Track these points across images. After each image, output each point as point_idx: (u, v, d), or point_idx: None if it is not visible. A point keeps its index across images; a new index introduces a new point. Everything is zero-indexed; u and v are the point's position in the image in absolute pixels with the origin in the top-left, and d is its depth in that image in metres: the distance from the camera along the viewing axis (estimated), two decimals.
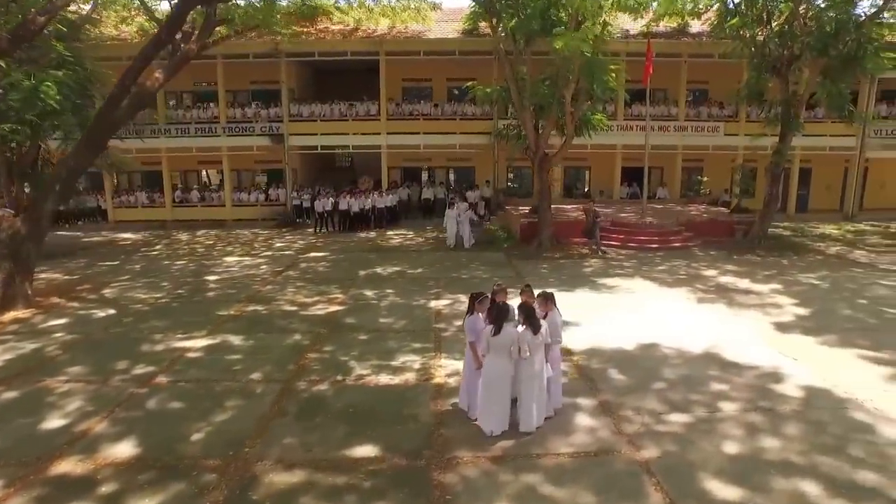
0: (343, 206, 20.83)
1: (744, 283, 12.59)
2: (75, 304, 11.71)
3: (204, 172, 25.61)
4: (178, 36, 12.98)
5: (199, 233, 21.32)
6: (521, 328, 5.98)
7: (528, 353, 5.90)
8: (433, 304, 11.38)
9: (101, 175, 22.36)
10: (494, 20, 15.27)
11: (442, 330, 9.77)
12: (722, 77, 22.34)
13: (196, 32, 13.50)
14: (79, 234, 21.55)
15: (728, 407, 6.69)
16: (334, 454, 5.85)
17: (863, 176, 23.50)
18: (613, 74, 15.83)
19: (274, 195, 23.36)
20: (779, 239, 18.07)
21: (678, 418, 6.42)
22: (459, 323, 9.96)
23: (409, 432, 6.29)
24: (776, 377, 7.52)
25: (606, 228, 17.73)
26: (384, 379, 7.76)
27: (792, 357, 8.22)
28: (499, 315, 5.99)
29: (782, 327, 9.59)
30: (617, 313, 10.47)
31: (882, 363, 7.99)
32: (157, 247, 18.71)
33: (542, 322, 6.10)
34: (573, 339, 9.04)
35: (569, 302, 11.22)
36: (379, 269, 14.59)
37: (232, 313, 11.00)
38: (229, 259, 16.45)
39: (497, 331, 5.94)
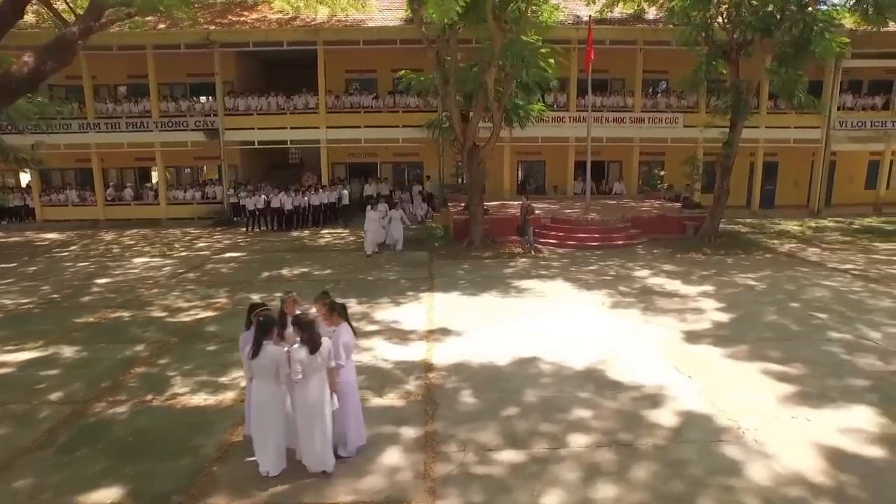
0: (275, 203, 19.67)
1: (673, 285, 11.45)
2: None
3: (153, 171, 24.41)
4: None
5: (128, 232, 20.12)
6: (295, 346, 4.81)
7: (298, 376, 4.73)
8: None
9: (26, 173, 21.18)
10: (416, 4, 14.12)
11: None
12: (681, 66, 20.85)
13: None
14: None
15: (579, 441, 5.53)
16: (65, 499, 4.70)
17: (830, 170, 22.36)
18: (551, 61, 14.74)
19: (211, 193, 22.15)
20: (733, 236, 16.96)
21: (509, 456, 5.26)
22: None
23: (176, 469, 5.16)
24: (655, 401, 6.36)
25: (546, 226, 16.61)
26: (197, 399, 6.63)
27: (687, 374, 7.08)
28: (258, 331, 4.83)
29: (692, 337, 8.44)
30: (512, 320, 9.33)
31: (785, 380, 6.85)
32: (73, 247, 17.53)
33: (326, 339, 4.93)
34: (445, 352, 7.93)
35: (467, 307, 10.18)
36: (285, 271, 13.46)
37: (91, 321, 9.88)
38: (138, 260, 15.29)
39: (255, 351, 4.78)
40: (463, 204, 19.00)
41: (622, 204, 19.93)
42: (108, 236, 19.50)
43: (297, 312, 5.15)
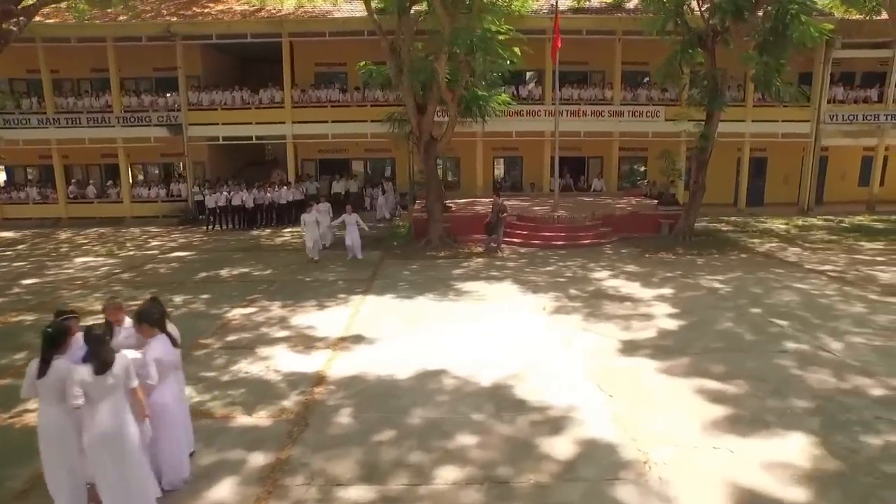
0: (236, 201, 18.91)
1: (630, 288, 10.52)
2: None
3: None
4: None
5: (86, 231, 19.42)
6: (78, 364, 3.98)
7: (79, 401, 3.89)
8: (235, 311, 9.45)
9: None
10: None
11: (203, 346, 7.77)
12: (662, 57, 20.15)
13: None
14: None
15: (447, 476, 4.66)
16: None
17: (821, 166, 21.28)
18: (516, 50, 13.86)
19: (176, 191, 21.42)
20: (711, 235, 15.99)
21: (357, 494, 4.41)
22: (235, 338, 8.06)
23: None
24: (558, 425, 5.48)
25: (512, 224, 15.70)
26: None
27: (608, 393, 6.19)
28: (46, 344, 4.02)
29: (630, 347, 7.53)
30: (439, 326, 8.49)
31: (720, 400, 5.94)
32: (20, 247, 16.86)
33: (125, 355, 4.10)
34: (346, 362, 7.11)
35: (396, 311, 9.37)
36: (224, 272, 12.70)
37: None
38: (79, 260, 14.60)
39: (42, 370, 3.96)
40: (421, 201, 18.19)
41: (597, 201, 18.99)
42: (64, 235, 18.85)
43: (87, 326, 4.30)
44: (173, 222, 20.69)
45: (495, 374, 6.68)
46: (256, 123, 20.82)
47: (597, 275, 11.68)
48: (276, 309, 9.59)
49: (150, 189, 21.45)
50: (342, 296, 10.39)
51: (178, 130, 20.52)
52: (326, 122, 20.65)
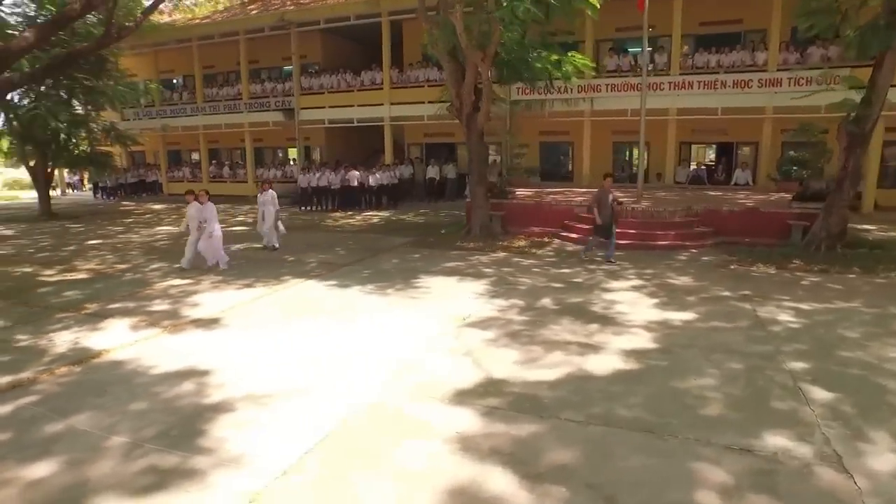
0: (323, 182, 18.98)
1: (634, 307, 7.21)
2: None
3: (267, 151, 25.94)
4: None
5: None
6: None
7: None
8: (173, 282, 8.87)
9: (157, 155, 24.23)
10: None
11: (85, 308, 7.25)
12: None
13: None
14: (130, 204, 23.58)
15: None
16: None
17: None
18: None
19: (290, 172, 22.54)
20: (880, 247, 10.65)
21: None
22: (118, 305, 7.45)
23: None
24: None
25: (579, 216, 12.67)
26: None
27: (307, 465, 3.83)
28: None
29: (486, 389, 4.82)
30: (306, 323, 6.69)
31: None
32: (147, 216, 19.24)
33: None
34: (147, 346, 5.82)
35: (300, 298, 7.96)
36: (241, 245, 12.45)
37: None
38: (161, 227, 16.00)
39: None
40: (523, 190, 15.90)
41: (723, 196, 14.41)
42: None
43: None
44: (285, 202, 21.71)
45: (253, 387, 4.75)
46: (358, 106, 20.70)
47: (615, 284, 8.40)
48: (208, 283, 8.79)
49: (268, 170, 22.93)
50: (286, 277, 9.14)
51: (290, 115, 21.49)
52: (423, 102, 19.53)
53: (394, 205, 19.54)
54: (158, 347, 5.90)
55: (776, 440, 3.90)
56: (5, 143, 19.21)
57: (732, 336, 6.07)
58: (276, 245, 11.89)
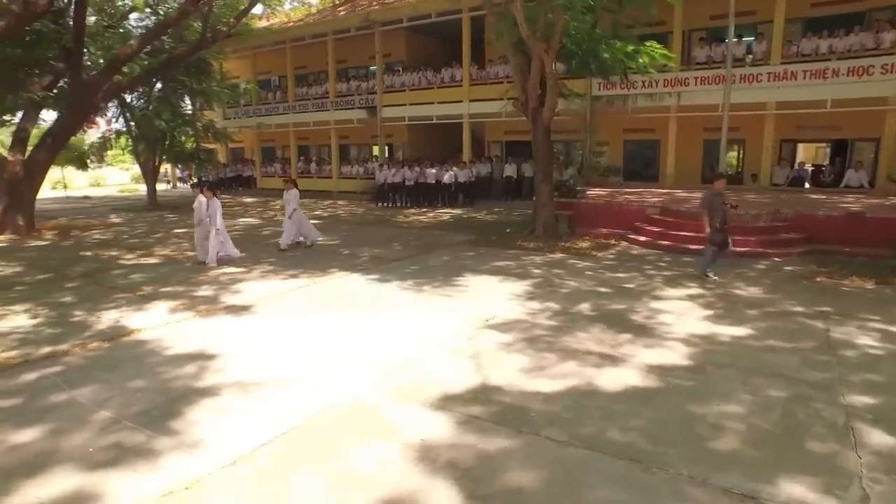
0: (398, 179, 19.23)
1: (684, 319, 6.45)
2: (51, 237, 13.61)
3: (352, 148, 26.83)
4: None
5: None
6: None
7: None
8: (230, 269, 9.36)
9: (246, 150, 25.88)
10: None
11: (135, 290, 7.84)
12: None
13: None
14: (226, 197, 25.34)
15: None
16: None
17: None
18: None
19: (371, 169, 23.08)
20: None
21: None
22: (168, 289, 8.01)
23: None
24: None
25: (650, 219, 11.79)
26: None
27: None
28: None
29: (473, 396, 4.49)
30: (338, 315, 6.71)
31: None
32: (235, 208, 20.57)
33: None
34: (177, 328, 6.16)
35: (337, 291, 8.09)
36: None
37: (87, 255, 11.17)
38: (243, 219, 17.00)
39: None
40: (597, 190, 15.20)
41: (802, 198, 12.70)
42: (276, 203, 22.23)
43: None
44: (367, 198, 22.36)
45: (248, 374, 4.79)
46: (438, 103, 20.73)
47: (670, 292, 7.61)
48: (258, 273, 9.16)
49: (352, 167, 23.66)
50: (331, 270, 9.27)
51: (373, 112, 22.00)
52: (502, 99, 19.14)
53: (469, 203, 19.35)
54: (183, 330, 6.17)
55: (794, 489, 3.22)
56: (123, 141, 21.42)
57: (787, 358, 5.22)
58: (306, 241, 11.68)
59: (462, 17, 19.22)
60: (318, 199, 22.31)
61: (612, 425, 3.95)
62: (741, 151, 17.40)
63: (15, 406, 4.38)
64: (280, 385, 4.70)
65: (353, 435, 3.86)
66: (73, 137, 21.27)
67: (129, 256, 10.74)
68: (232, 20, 16.67)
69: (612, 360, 5.19)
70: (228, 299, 7.48)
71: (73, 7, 12.32)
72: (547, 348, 5.50)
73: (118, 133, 20.65)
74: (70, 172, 27.98)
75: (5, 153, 13.80)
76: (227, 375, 4.89)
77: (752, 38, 15.61)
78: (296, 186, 11.60)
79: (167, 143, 19.99)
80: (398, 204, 19.67)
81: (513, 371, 4.94)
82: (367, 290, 8.00)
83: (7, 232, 13.31)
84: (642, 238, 11.29)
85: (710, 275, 8.36)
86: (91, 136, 23.05)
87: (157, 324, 6.39)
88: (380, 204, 19.90)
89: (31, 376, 4.96)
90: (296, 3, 25.84)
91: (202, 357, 5.32)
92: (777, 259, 9.69)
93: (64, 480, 3.35)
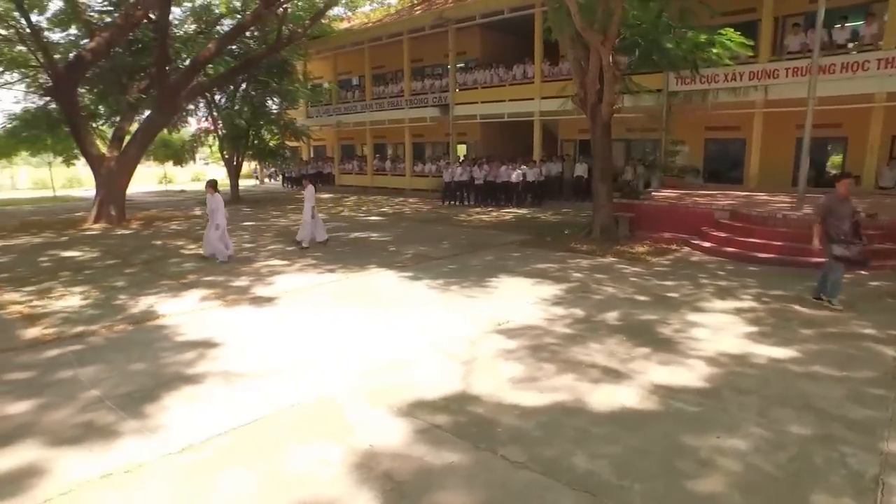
0: (465, 177, 19.10)
1: (728, 336, 5.78)
2: (136, 227, 14.91)
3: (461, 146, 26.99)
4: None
5: (367, 197, 23.13)
6: None
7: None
8: (265, 262, 9.72)
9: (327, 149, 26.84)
10: None
11: (180, 278, 8.34)
12: None
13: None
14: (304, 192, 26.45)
15: None
16: None
17: None
18: None
19: (443, 167, 23.13)
20: None
21: None
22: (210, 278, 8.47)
23: None
24: None
25: (718, 224, 10.81)
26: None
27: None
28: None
29: (441, 404, 4.24)
30: (357, 310, 6.70)
31: None
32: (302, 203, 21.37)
33: None
34: (200, 315, 6.44)
35: (363, 286, 8.12)
36: (361, 234, 13.12)
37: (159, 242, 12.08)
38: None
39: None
40: (669, 191, 14.29)
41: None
42: (349, 199, 22.93)
43: None
44: (437, 196, 22.43)
45: (238, 364, 4.88)
46: (509, 101, 20.34)
47: (716, 304, 6.84)
48: (298, 266, 9.39)
49: (423, 165, 23.83)
50: (369, 266, 9.32)
51: (446, 110, 22.01)
52: (566, 97, 18.42)
53: (538, 202, 18.82)
54: (202, 319, 6.41)
55: None
56: (212, 139, 23.05)
57: (829, 389, 4.47)
58: (322, 239, 11.52)
59: (534, 13, 18.70)
60: (389, 197, 22.73)
61: (582, 450, 3.54)
62: (844, 151, 15.46)
63: (26, 379, 4.73)
64: (264, 377, 4.72)
65: (306, 433, 3.76)
66: (170, 136, 23.25)
67: (191, 246, 11.45)
68: (307, 21, 17.33)
69: (615, 375, 4.71)
70: (258, 291, 7.71)
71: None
72: (549, 358, 5.11)
73: (206, 131, 22.23)
74: (173, 169, 30.58)
75: (104, 150, 15.26)
76: (218, 364, 4.99)
77: (861, 22, 13.80)
78: (311, 184, 11.70)
79: (250, 140, 21.23)
80: (465, 202, 19.55)
81: (501, 380, 4.62)
82: (393, 287, 7.93)
83: (102, 221, 14.73)
84: (706, 244, 10.33)
85: (834, 303, 6.58)
86: (185, 134, 24.98)
87: (183, 311, 6.71)
88: (447, 202, 19.87)
89: (53, 353, 5.35)
90: (375, 4, 26.35)
91: (205, 345, 5.48)
92: (863, 272, 8.45)
93: (25, 453, 3.53)
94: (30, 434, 3.77)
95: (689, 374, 4.72)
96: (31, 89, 18.29)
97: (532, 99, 19.50)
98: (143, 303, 7.08)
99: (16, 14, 14.46)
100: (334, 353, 5.29)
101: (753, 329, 5.90)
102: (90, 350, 5.41)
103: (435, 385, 4.53)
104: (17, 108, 23.53)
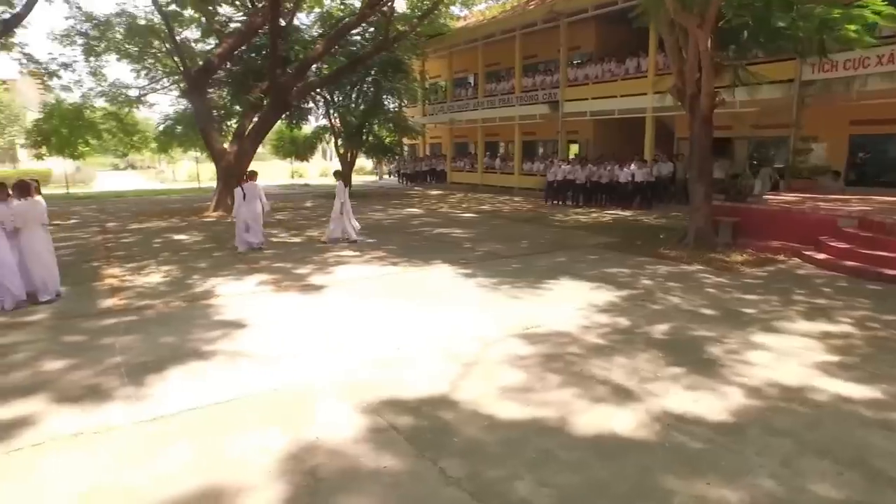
0: (570, 176, 18.31)
1: (800, 364, 4.87)
2: None
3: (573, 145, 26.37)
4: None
5: (474, 195, 23.15)
6: None
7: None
8: (352, 253, 10.12)
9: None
10: None
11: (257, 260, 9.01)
12: None
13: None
14: (417, 189, 27.25)
15: None
16: None
17: None
18: None
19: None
20: None
21: None
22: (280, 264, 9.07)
23: None
24: None
25: (840, 232, 9.22)
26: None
27: None
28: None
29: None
30: (405, 302, 6.73)
31: None
32: (414, 199, 21.89)
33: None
34: (251, 298, 6.89)
35: (422, 280, 8.35)
36: (454, 231, 13.10)
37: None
38: (408, 210, 18.01)
39: None
40: (794, 194, 12.63)
41: None
42: (455, 196, 23.08)
43: None
44: (542, 195, 21.83)
45: (251, 346, 5.09)
46: (621, 96, 19.13)
47: (796, 325, 5.74)
48: (364, 258, 9.61)
49: (533, 164, 23.27)
50: (433, 261, 9.24)
51: (555, 107, 21.30)
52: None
53: (647, 204, 17.48)
54: (247, 301, 6.76)
55: None
56: (328, 135, 24.52)
57: None
58: (353, 237, 11.10)
59: None
60: (495, 195, 22.54)
61: (533, 475, 3.12)
62: None
63: (76, 342, 5.33)
64: (266, 360, 4.85)
65: (265, 419, 3.78)
66: (291, 132, 25.12)
67: (282, 235, 12.27)
68: (414, 20, 17.73)
69: (623, 395, 4.13)
70: (315, 279, 7.99)
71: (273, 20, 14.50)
72: (559, 369, 4.64)
73: (322, 128, 23.74)
74: (303, 164, 33.12)
75: (226, 146, 16.95)
76: (234, 345, 5.22)
77: None
78: (343, 179, 11.50)
79: (364, 136, 22.27)
80: (569, 202, 18.74)
81: (491, 388, 4.28)
82: (442, 283, 7.77)
83: (220, 210, 16.35)
84: (821, 255, 8.79)
85: None
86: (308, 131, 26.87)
87: (237, 293, 7.16)
88: (549, 202, 19.19)
89: (111, 321, 5.99)
90: (490, 2, 26.26)
91: (234, 325, 5.78)
92: None
93: (31, 405, 3.96)
94: (44, 389, 4.23)
95: (715, 404, 3.99)
96: (177, 93, 20.92)
97: (644, 94, 18.12)
98: (209, 283, 7.68)
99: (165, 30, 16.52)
100: (341, 344, 5.28)
101: (833, 358, 4.86)
102: (140, 322, 5.97)
103: (419, 386, 4.32)
104: (171, 111, 26.94)
